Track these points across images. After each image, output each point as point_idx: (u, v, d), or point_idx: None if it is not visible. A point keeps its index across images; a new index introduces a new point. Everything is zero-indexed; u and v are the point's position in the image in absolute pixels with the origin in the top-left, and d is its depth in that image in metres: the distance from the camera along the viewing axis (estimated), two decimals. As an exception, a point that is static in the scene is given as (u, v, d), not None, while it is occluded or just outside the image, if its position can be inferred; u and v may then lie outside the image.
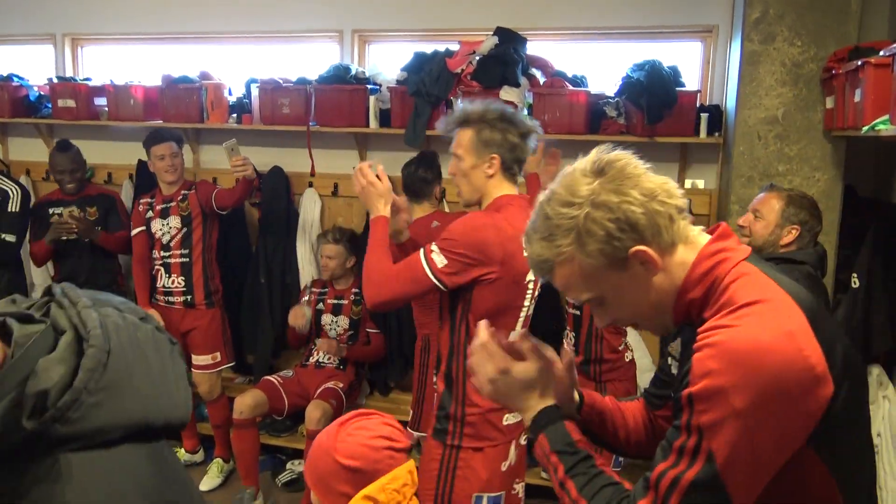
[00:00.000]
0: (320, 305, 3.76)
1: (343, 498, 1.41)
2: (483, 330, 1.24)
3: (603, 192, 1.07)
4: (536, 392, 1.21)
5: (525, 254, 1.16)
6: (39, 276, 4.42)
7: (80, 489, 0.77)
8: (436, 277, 1.96)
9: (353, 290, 3.73)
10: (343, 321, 3.73)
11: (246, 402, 3.45)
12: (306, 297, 3.79)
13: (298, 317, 3.62)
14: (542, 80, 3.59)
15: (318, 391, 3.56)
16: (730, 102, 3.37)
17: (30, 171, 4.55)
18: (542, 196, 1.16)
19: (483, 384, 1.24)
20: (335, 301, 3.75)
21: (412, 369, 3.91)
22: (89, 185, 3.98)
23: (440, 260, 1.95)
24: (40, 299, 0.84)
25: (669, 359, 1.32)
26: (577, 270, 1.10)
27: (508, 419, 2.08)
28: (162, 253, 3.67)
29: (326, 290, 3.78)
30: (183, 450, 3.94)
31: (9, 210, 3.72)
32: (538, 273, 1.16)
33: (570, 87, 3.51)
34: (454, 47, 3.61)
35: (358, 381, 3.81)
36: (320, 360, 3.74)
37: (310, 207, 4.01)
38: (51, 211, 3.82)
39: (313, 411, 3.41)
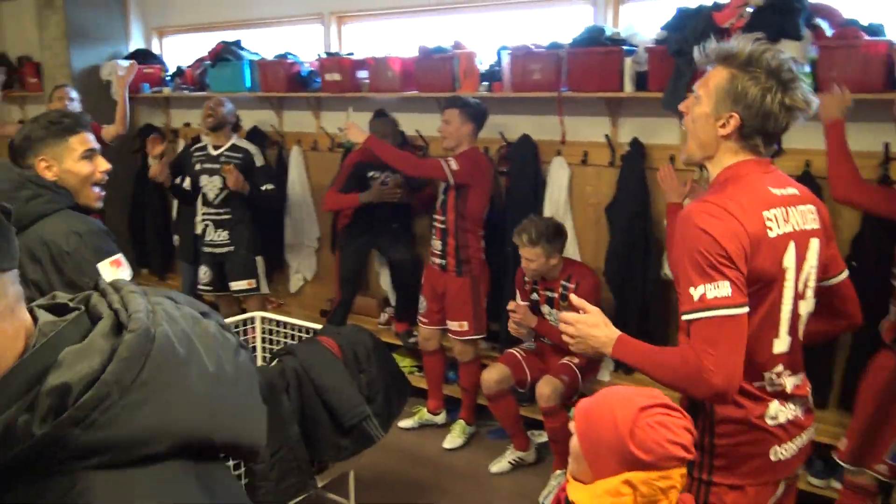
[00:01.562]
0: (534, 295, 3.59)
1: (606, 468, 1.39)
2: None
3: None
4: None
5: None
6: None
7: None
8: (736, 308, 1.51)
9: (562, 282, 3.46)
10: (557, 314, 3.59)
11: (492, 376, 3.49)
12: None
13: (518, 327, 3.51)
14: (828, 31, 3.14)
15: (555, 366, 3.49)
16: None
17: (301, 142, 4.96)
18: None
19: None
20: (546, 293, 3.54)
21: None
22: None
23: (712, 291, 1.50)
24: (85, 293, 0.68)
25: None
26: None
27: (779, 453, 1.68)
28: (434, 216, 3.86)
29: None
30: (425, 409, 4.10)
31: (257, 165, 4.23)
32: None
33: (866, 37, 3.03)
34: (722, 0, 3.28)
35: (598, 357, 3.67)
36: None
37: (558, 176, 3.91)
38: (370, 174, 4.17)
39: (544, 388, 3.32)
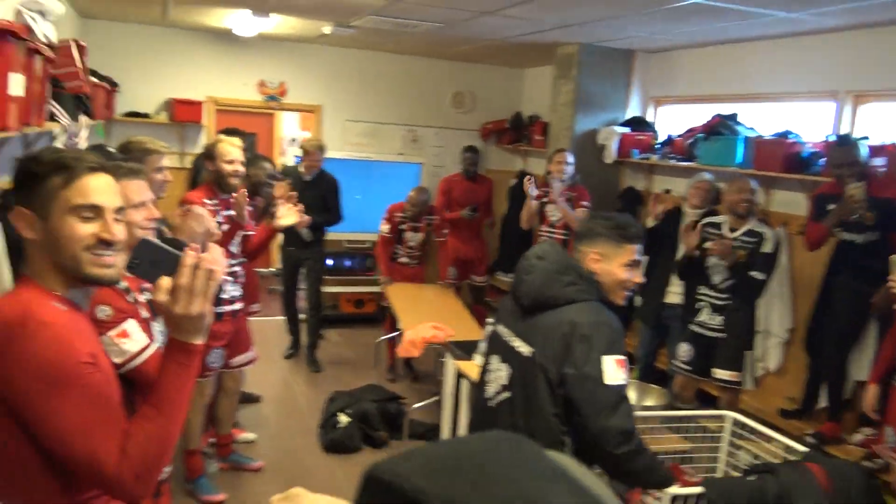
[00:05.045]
0: None
1: None
2: None
3: None
4: None
5: None
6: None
7: None
8: None
9: None
10: None
11: None
12: None
13: None
14: None
15: None
16: None
17: (786, 224, 4.66)
18: None
19: None
20: None
21: None
22: None
23: None
24: None
25: None
26: None
27: None
28: None
29: None
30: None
31: (761, 250, 3.90)
32: None
33: None
34: None
35: None
36: None
37: None
38: (827, 206, 3.90)
39: None
